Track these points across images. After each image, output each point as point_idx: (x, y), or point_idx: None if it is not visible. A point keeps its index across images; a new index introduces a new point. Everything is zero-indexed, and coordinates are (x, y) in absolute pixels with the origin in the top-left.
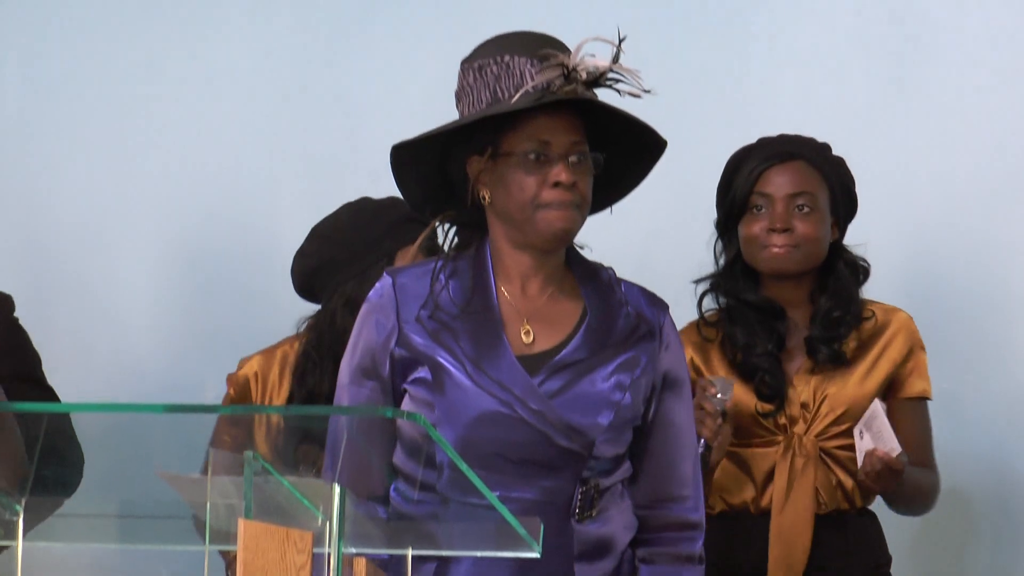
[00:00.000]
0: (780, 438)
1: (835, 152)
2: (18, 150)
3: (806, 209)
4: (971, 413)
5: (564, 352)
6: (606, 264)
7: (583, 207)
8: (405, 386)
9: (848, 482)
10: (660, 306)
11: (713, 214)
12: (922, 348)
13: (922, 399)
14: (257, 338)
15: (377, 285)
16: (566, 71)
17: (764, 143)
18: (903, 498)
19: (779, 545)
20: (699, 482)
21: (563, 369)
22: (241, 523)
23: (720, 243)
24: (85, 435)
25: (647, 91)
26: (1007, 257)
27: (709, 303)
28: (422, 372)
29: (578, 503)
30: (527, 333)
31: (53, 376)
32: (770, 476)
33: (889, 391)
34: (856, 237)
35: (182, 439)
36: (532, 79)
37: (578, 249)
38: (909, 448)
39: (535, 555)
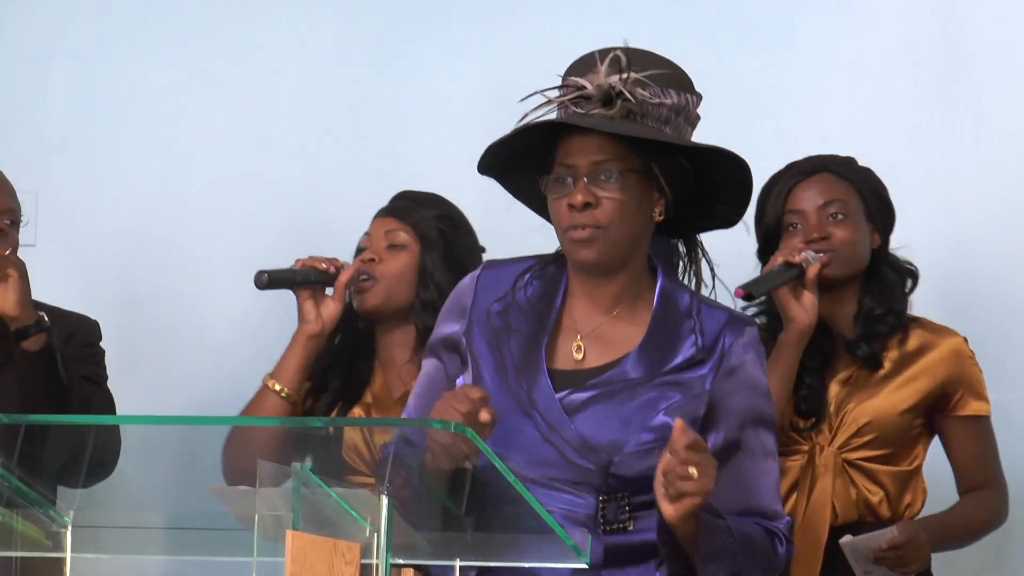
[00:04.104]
0: (805, 447)
1: (879, 162)
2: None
3: (840, 216)
4: (1018, 423)
5: (609, 372)
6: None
7: (608, 228)
8: (457, 381)
9: (873, 496)
10: (735, 328)
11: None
12: (975, 367)
13: (977, 417)
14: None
15: (471, 273)
16: (582, 92)
17: (789, 166)
18: (957, 543)
19: (798, 556)
20: (779, 501)
21: (597, 386)
22: (289, 535)
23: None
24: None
25: (656, 105)
26: None
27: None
28: (468, 376)
29: (601, 518)
30: (578, 349)
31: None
32: (795, 486)
33: (939, 411)
34: (899, 245)
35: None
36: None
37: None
38: (964, 467)
39: (583, 566)
